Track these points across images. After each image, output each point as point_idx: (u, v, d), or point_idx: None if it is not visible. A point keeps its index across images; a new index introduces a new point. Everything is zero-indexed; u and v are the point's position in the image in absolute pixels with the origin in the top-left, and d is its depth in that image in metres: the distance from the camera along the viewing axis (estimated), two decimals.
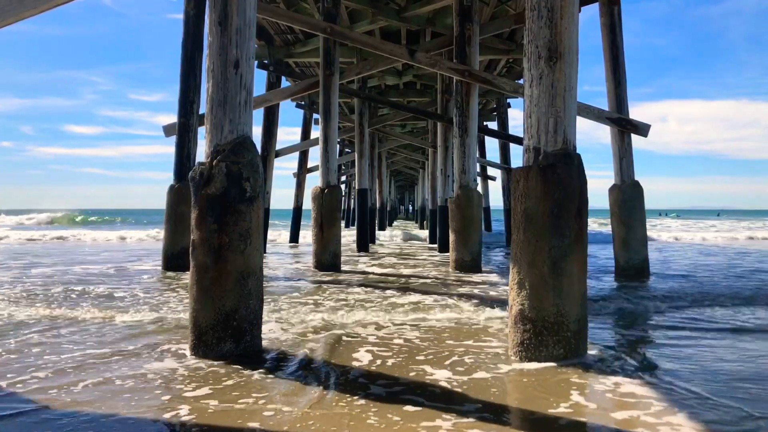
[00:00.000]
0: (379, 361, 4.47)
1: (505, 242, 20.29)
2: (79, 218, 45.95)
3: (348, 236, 19.05)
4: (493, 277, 9.90)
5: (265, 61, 14.77)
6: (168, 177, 10.82)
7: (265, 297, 5.10)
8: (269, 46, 14.73)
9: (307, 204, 12.55)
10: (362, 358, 4.59)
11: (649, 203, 10.12)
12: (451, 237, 10.66)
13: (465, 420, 3.24)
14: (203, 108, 4.88)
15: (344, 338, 5.27)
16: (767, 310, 6.93)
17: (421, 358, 4.60)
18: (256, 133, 5.84)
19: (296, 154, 20.56)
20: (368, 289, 8.46)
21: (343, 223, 30.05)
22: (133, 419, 3.23)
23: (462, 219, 10.45)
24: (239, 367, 4.24)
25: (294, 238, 20.86)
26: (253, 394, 3.65)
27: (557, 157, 4.36)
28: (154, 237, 23.58)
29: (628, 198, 9.96)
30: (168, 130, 11.11)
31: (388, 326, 5.83)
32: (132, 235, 24.84)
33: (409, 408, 3.42)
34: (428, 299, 7.49)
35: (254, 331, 4.69)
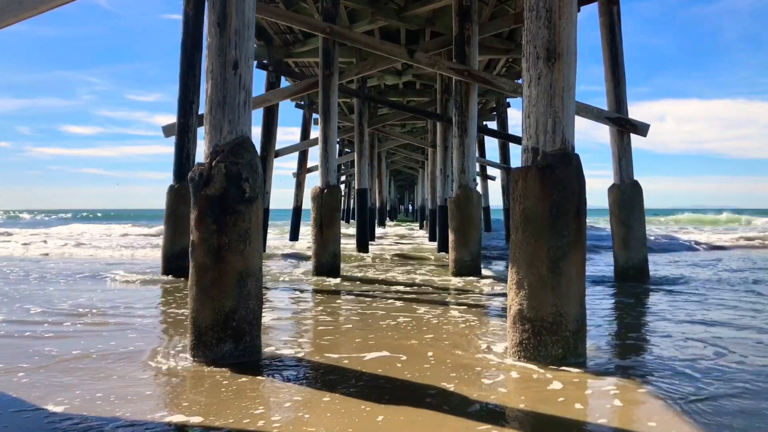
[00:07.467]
0: (377, 365, 4.47)
1: (505, 239, 20.31)
2: None
3: (348, 233, 19.03)
4: (493, 282, 9.91)
5: (265, 61, 14.74)
6: (167, 177, 10.81)
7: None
8: (268, 46, 14.72)
9: (307, 204, 12.53)
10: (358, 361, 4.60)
11: (647, 203, 10.10)
12: (451, 237, 10.65)
13: (465, 420, 3.25)
14: (203, 108, 4.89)
15: (337, 343, 5.28)
16: None
17: (405, 359, 4.60)
18: (256, 133, 5.86)
19: (296, 154, 20.57)
20: (366, 299, 8.46)
21: (342, 222, 30.05)
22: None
23: (461, 219, 10.44)
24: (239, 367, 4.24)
25: (294, 237, 20.92)
26: (252, 393, 3.66)
27: (556, 157, 4.36)
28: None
29: (627, 198, 9.95)
30: (167, 130, 11.10)
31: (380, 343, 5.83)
32: None
33: (415, 409, 3.43)
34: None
35: (253, 332, 4.69)
